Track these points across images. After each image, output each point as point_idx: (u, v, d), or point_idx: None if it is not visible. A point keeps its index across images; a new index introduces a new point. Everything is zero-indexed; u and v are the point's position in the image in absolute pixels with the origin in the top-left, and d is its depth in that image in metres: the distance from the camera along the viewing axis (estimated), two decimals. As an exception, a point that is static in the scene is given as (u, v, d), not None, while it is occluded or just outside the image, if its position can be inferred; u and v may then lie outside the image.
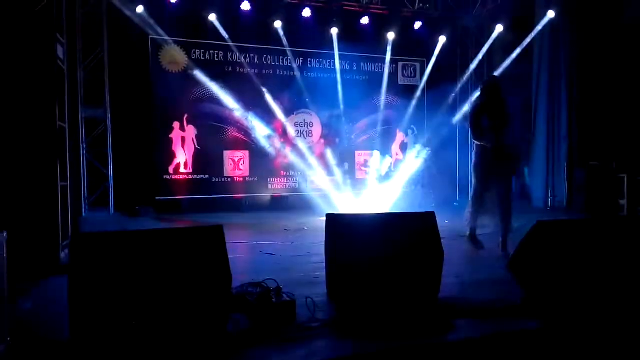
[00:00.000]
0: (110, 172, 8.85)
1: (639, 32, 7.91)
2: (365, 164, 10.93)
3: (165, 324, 2.51)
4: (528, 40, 9.74)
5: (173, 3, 8.87)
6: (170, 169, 9.37)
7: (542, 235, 3.23)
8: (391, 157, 10.87)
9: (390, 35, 10.54)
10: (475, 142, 5.09)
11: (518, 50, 9.87)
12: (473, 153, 5.21)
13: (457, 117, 11.18)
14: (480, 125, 4.97)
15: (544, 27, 9.46)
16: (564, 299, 3.02)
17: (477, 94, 5.21)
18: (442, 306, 3.05)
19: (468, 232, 5.21)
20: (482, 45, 10.73)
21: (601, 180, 8.42)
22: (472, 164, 5.21)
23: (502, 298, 3.14)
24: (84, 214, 8.51)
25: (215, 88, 9.45)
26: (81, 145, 8.57)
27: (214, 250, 2.69)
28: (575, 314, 2.88)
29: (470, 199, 5.26)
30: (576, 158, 9.12)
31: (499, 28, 10.25)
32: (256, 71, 9.86)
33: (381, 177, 9.91)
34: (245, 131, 9.83)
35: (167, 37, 9.09)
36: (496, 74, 9.61)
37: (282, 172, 10.25)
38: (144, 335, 2.45)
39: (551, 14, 9.26)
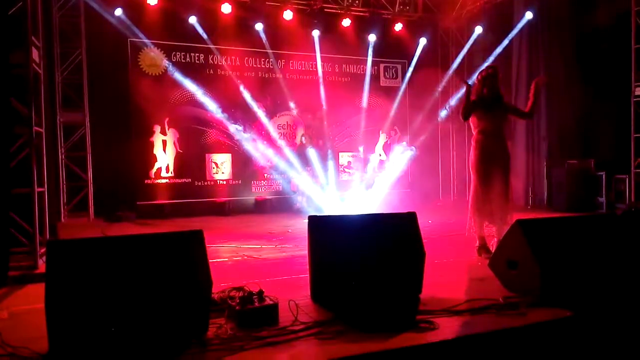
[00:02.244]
0: (90, 176, 8.72)
1: (614, 32, 8.07)
2: (349, 165, 10.96)
3: (145, 331, 2.47)
4: (507, 40, 9.88)
5: (152, 5, 8.78)
6: (152, 173, 9.26)
7: (521, 233, 3.26)
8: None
9: (372, 37, 10.60)
10: (473, 132, 4.75)
11: (497, 51, 10.00)
12: (471, 150, 4.81)
13: (440, 116, 11.29)
14: (475, 117, 4.66)
15: (522, 27, 9.61)
16: (545, 295, 3.05)
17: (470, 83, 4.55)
18: (424, 306, 3.06)
19: (477, 243, 4.76)
20: (462, 46, 10.86)
21: (580, 179, 8.56)
22: (470, 162, 4.79)
23: (485, 297, 3.16)
24: (63, 220, 8.36)
25: (196, 91, 9.38)
26: (59, 150, 8.43)
27: (194, 255, 2.66)
28: (558, 310, 2.91)
29: (469, 202, 4.82)
30: (556, 157, 9.26)
31: (479, 29, 10.38)
32: (237, 73, 9.81)
33: (367, 185, 9.91)
34: (228, 134, 9.78)
35: (146, 40, 8.99)
36: (476, 74, 9.73)
37: (265, 175, 10.21)
38: (124, 343, 2.41)
39: (529, 14, 9.41)
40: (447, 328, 2.69)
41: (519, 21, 9.61)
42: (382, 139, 11.30)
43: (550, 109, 9.42)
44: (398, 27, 10.66)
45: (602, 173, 8.34)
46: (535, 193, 9.77)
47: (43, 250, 4.54)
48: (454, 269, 4.32)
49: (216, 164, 9.83)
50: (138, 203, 9.07)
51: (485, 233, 4.79)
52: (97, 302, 2.39)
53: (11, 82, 4.37)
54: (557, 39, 9.27)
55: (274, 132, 10.16)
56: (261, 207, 10.00)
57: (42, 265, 4.40)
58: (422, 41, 10.87)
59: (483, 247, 4.74)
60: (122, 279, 2.49)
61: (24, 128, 4.57)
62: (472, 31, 10.49)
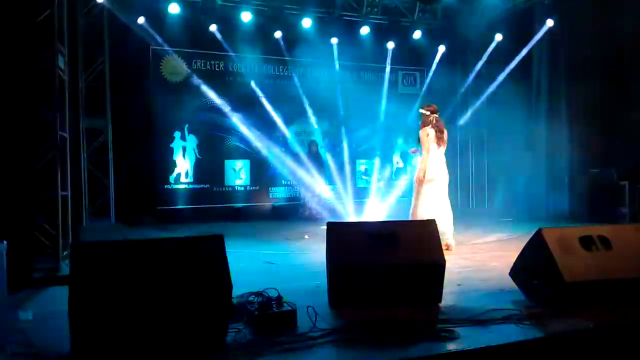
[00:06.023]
0: (111, 181, 8.84)
1: (638, 39, 7.93)
2: (366, 172, 10.94)
3: (165, 334, 2.49)
4: (527, 49, 9.76)
5: (174, 14, 8.92)
6: (171, 179, 9.38)
7: (544, 242, 3.21)
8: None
9: (390, 45, 10.59)
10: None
11: (517, 59, 9.89)
12: None
13: (459, 124, 11.19)
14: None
15: (543, 35, 9.49)
16: (567, 306, 3.00)
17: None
18: (444, 315, 3.03)
19: None
20: (481, 55, 10.75)
21: (602, 188, 8.39)
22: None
23: (505, 307, 3.12)
24: (84, 224, 8.49)
25: (215, 98, 9.48)
26: (82, 155, 8.56)
27: (214, 260, 2.68)
28: (580, 321, 2.85)
29: None
30: (577, 166, 9.09)
31: (498, 37, 10.28)
32: (256, 81, 9.89)
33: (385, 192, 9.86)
34: (246, 140, 9.85)
35: (167, 48, 9.13)
36: (496, 82, 9.73)
37: (282, 181, 10.24)
38: (144, 346, 2.43)
39: (550, 22, 9.29)
40: (468, 338, 2.65)
41: (539, 29, 9.50)
42: (400, 146, 11.26)
43: (571, 117, 9.27)
44: (417, 34, 10.63)
45: (624, 183, 8.16)
46: (556, 203, 9.59)
47: (65, 252, 4.62)
48: (475, 277, 4.26)
49: (234, 170, 9.91)
50: (158, 208, 9.18)
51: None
52: (119, 305, 2.43)
53: (37, 88, 4.48)
54: (579, 46, 9.13)
55: (291, 139, 10.20)
56: (279, 213, 10.02)
57: (64, 268, 4.47)
58: (441, 48, 10.82)
59: None
60: (144, 282, 2.52)
61: (49, 133, 4.67)
62: (492, 39, 10.39)
